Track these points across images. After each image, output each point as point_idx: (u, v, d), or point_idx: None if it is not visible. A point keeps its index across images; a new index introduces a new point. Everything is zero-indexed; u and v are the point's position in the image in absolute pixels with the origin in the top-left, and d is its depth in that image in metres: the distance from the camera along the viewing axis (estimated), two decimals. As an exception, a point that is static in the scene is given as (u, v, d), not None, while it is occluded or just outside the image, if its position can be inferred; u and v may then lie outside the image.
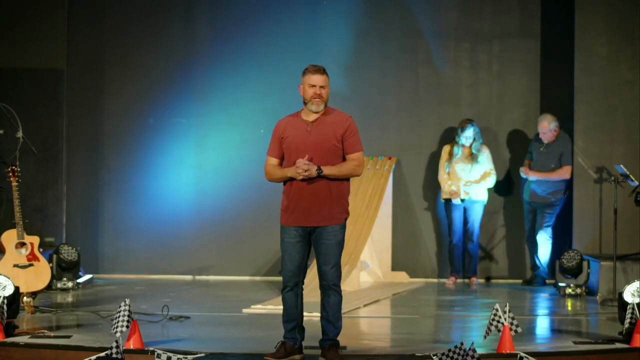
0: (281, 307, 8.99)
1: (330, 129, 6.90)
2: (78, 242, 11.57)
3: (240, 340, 7.71)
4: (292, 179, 6.85)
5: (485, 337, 7.10)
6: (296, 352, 6.95)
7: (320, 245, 6.87)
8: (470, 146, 11.49)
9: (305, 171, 6.77)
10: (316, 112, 6.91)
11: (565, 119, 11.46)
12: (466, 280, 11.78)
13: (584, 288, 10.51)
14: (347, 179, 6.96)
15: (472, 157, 11.51)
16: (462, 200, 11.50)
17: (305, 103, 6.92)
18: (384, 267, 11.74)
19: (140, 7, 12.15)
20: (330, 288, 6.88)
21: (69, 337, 7.45)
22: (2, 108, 10.43)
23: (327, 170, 6.82)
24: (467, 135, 11.45)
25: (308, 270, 10.58)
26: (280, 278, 11.63)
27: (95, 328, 8.07)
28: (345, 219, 6.95)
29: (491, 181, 11.55)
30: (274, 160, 6.97)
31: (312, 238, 6.90)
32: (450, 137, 11.82)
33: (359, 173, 6.99)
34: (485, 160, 11.52)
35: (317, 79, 6.87)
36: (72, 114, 11.91)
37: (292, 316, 6.96)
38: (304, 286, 7.06)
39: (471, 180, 11.49)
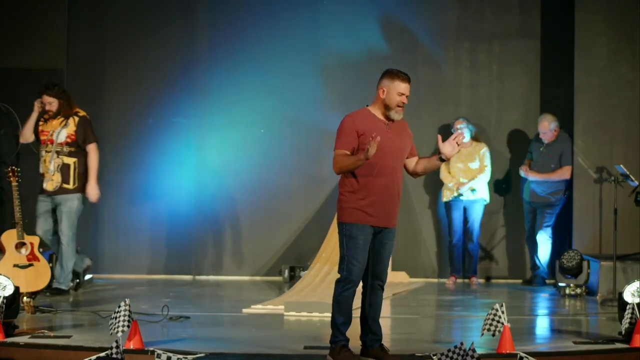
0: (281, 307, 9.04)
1: (405, 133, 6.82)
2: (78, 242, 11.55)
3: (240, 340, 7.70)
4: (369, 177, 6.64)
5: (482, 334, 7.08)
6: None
7: (384, 245, 6.81)
8: (469, 145, 11.50)
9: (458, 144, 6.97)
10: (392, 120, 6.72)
11: (565, 119, 11.46)
12: (466, 280, 11.78)
13: (584, 288, 10.51)
14: None
15: (471, 156, 11.51)
16: (473, 190, 11.47)
17: (386, 107, 6.67)
18: (384, 267, 11.72)
19: (140, 7, 12.14)
20: (382, 288, 6.83)
21: (69, 337, 7.44)
22: (2, 108, 10.43)
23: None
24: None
25: (309, 270, 10.64)
26: (279, 278, 11.76)
27: (95, 328, 8.06)
28: None
29: (484, 176, 11.53)
30: (346, 152, 6.61)
31: (375, 238, 6.79)
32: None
33: None
34: (484, 158, 11.53)
35: (407, 88, 6.68)
36: (72, 114, 11.91)
37: (351, 316, 6.78)
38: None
39: (469, 177, 11.50)
